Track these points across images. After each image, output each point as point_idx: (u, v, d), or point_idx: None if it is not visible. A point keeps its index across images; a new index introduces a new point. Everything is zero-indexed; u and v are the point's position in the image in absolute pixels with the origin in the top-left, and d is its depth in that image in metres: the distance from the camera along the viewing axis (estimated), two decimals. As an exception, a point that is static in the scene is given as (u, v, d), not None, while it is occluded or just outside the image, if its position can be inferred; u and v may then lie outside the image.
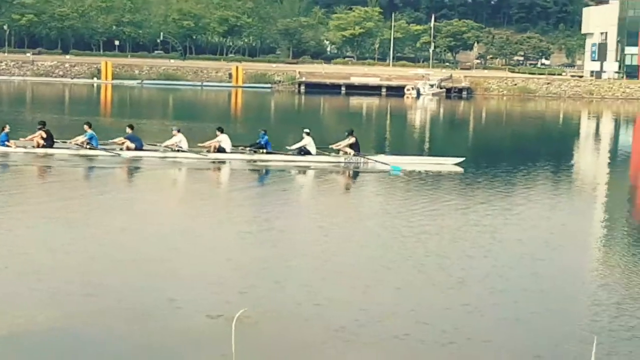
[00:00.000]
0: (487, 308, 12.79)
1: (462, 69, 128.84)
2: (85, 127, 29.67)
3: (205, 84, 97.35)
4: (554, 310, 12.81)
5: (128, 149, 28.95)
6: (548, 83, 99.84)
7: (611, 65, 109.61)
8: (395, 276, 14.37)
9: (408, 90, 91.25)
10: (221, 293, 12.94)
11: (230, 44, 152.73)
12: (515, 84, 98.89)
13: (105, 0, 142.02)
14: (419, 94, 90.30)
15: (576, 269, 15.76)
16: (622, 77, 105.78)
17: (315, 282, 13.90)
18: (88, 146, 29.05)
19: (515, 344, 11.36)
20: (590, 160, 39.07)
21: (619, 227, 20.59)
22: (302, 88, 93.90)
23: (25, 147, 28.93)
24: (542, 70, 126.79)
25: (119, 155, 28.71)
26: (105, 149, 29.14)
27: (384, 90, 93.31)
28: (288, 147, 29.73)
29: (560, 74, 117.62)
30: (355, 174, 28.18)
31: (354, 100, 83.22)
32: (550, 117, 73.15)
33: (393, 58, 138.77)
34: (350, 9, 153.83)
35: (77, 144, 29.22)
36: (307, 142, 29.42)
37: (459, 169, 28.71)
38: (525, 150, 40.22)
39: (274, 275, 14.10)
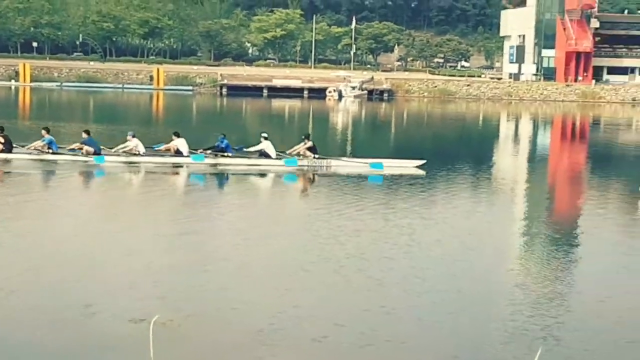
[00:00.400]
0: (405, 309, 12.85)
1: (383, 71, 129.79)
2: (43, 132, 29.30)
3: (126, 86, 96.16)
4: (471, 311, 12.93)
5: (87, 153, 28.54)
6: (468, 85, 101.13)
7: (529, 68, 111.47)
8: (314, 279, 14.38)
9: (330, 92, 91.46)
10: (140, 298, 12.78)
11: (151, 46, 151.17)
12: (436, 86, 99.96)
13: (22, 1, 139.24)
14: (340, 96, 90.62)
15: (493, 270, 15.94)
16: (540, 79, 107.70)
17: (234, 285, 13.83)
18: (49, 151, 28.70)
19: (433, 346, 11.43)
20: (509, 161, 39.68)
21: (537, 228, 20.91)
22: (224, 90, 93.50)
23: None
24: (462, 73, 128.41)
25: (85, 161, 28.24)
26: (68, 153, 28.86)
27: (306, 92, 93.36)
28: (245, 149, 29.76)
29: (480, 76, 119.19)
30: (313, 178, 28.14)
31: (276, 103, 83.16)
32: (471, 119, 74.10)
33: (315, 60, 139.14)
34: (272, 11, 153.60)
35: (37, 149, 28.82)
36: (265, 145, 29.44)
37: (421, 172, 28.70)
38: (447, 152, 40.66)
39: (193, 279, 13.98)
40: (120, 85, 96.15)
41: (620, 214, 24.01)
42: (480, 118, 76.15)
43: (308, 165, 29.21)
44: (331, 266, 15.12)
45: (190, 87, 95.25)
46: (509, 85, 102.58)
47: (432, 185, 26.99)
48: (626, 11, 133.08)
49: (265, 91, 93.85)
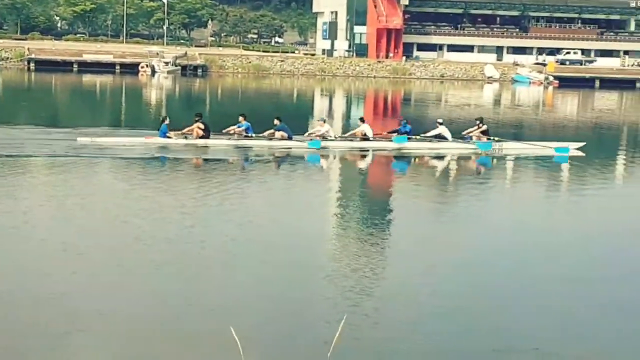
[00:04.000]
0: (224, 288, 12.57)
1: (197, 46, 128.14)
2: (241, 118, 30.62)
3: None
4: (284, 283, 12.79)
5: (282, 138, 30.24)
6: (282, 61, 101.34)
7: (342, 44, 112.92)
8: (86, 262, 13.85)
9: (142, 67, 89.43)
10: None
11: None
12: (250, 62, 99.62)
13: None
14: (154, 72, 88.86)
15: (313, 244, 15.86)
16: (352, 56, 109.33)
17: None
18: (245, 136, 30.00)
19: (244, 310, 11.20)
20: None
21: (352, 202, 21.03)
22: (32, 65, 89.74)
23: (186, 139, 29.40)
24: (276, 49, 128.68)
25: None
26: (264, 138, 30.21)
27: (117, 67, 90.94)
28: (423, 135, 31.99)
29: (294, 52, 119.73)
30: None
31: (87, 78, 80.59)
32: (285, 95, 74.32)
33: (126, 35, 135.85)
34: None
35: (233, 133, 30.17)
36: (442, 130, 31.78)
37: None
38: (263, 127, 40.14)
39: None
40: None
41: (434, 186, 24.54)
42: (295, 94, 76.49)
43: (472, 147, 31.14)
44: (108, 249, 14.61)
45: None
46: (323, 62, 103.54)
47: (252, 164, 26.69)
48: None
49: (75, 66, 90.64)
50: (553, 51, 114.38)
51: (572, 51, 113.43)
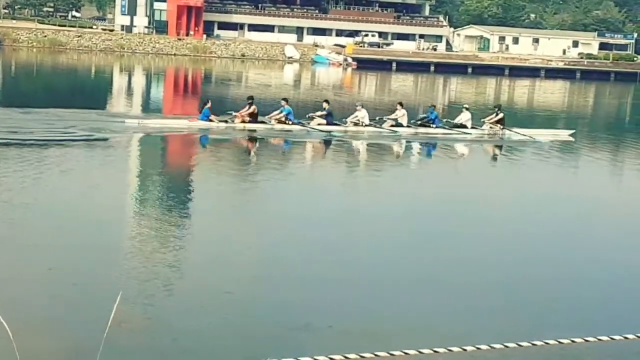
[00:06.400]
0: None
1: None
2: (283, 102, 31.37)
3: None
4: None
5: (320, 123, 31.21)
6: (79, 36, 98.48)
7: (141, 20, 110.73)
8: None
9: None
10: None
11: None
12: (46, 36, 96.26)
13: None
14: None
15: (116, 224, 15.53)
16: (152, 32, 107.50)
17: None
18: (287, 121, 30.71)
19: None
20: (121, 111, 38.72)
21: (151, 181, 20.73)
22: None
23: (226, 122, 30.18)
24: (73, 23, 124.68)
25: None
26: (301, 123, 31.08)
27: None
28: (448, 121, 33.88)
29: (92, 27, 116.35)
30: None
31: None
32: (83, 71, 72.34)
33: None
34: None
35: (276, 119, 30.80)
36: (469, 116, 33.70)
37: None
38: (60, 103, 38.83)
39: None
40: None
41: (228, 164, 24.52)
42: (93, 70, 74.55)
43: (489, 134, 33.56)
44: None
45: None
46: (122, 38, 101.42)
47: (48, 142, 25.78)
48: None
49: None
50: (352, 33, 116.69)
51: (370, 34, 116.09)
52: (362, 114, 32.34)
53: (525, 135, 33.62)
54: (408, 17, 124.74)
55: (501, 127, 33.97)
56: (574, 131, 35.90)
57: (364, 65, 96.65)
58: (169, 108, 44.84)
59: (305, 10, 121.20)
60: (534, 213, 19.40)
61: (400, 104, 33.71)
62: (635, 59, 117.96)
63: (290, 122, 30.91)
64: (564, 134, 35.46)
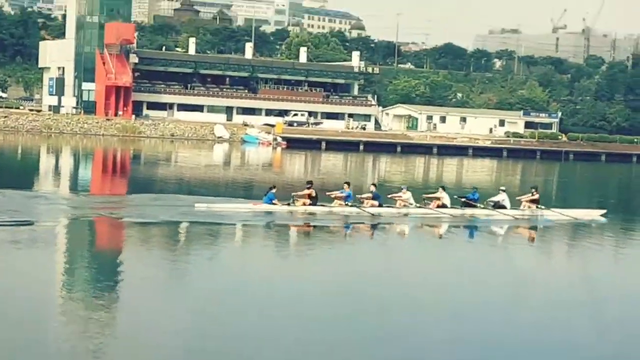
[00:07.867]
0: None
1: None
2: (345, 186, 32.97)
3: None
4: None
5: (372, 205, 32.33)
6: (5, 117, 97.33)
7: (69, 100, 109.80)
8: None
9: None
10: None
11: None
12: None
13: None
14: None
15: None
16: (80, 113, 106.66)
17: None
18: (347, 204, 32.13)
19: None
20: (50, 190, 37.88)
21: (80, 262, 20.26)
22: None
23: (289, 206, 31.40)
24: (0, 103, 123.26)
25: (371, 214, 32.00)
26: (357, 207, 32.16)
27: None
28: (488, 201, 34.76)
29: (19, 108, 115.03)
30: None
31: None
32: (9, 152, 71.15)
33: None
34: None
35: (336, 198, 32.40)
36: (504, 197, 34.56)
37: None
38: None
39: None
40: None
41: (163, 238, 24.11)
42: (19, 151, 73.41)
43: (528, 215, 34.39)
44: None
45: None
46: (49, 118, 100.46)
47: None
48: (164, 48, 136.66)
49: None
50: (281, 112, 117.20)
51: (299, 113, 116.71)
52: (407, 196, 33.37)
53: (564, 215, 34.61)
54: (337, 97, 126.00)
55: (536, 206, 34.85)
56: (605, 211, 36.70)
57: (294, 144, 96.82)
58: (98, 188, 44.19)
59: (234, 89, 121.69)
60: None
61: (443, 187, 35.03)
62: (559, 137, 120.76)
63: (347, 204, 32.05)
64: (595, 214, 36.33)
